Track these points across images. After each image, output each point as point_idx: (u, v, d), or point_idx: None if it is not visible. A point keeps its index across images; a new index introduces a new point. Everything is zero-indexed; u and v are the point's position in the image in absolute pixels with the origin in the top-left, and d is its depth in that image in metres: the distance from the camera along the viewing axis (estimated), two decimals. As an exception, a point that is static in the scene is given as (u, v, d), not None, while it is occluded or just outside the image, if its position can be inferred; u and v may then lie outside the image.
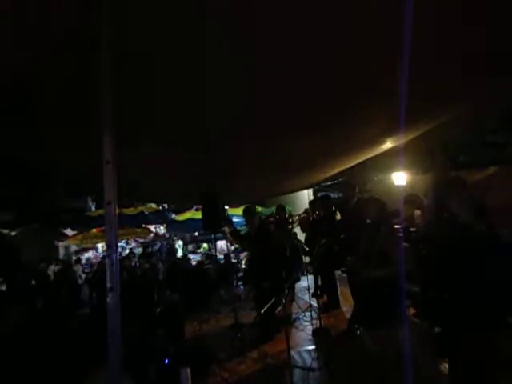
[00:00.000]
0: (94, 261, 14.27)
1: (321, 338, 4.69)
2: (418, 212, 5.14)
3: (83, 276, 11.39)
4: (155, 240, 16.23)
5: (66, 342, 3.95)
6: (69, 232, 12.95)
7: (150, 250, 14.36)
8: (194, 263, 10.78)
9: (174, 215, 14.07)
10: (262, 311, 5.14)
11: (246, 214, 5.39)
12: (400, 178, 6.29)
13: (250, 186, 5.71)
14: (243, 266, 10.32)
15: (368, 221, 4.07)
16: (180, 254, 15.35)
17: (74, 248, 14.59)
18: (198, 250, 15.80)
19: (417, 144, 4.53)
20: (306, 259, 7.13)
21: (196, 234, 15.92)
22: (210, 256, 11.92)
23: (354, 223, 4.83)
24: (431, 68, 2.36)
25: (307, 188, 9.20)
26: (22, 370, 3.20)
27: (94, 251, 15.08)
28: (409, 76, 2.14)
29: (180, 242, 16.79)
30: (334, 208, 5.80)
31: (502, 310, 1.67)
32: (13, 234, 10.76)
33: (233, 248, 11.35)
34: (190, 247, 16.73)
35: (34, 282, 7.86)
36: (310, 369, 3.88)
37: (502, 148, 5.49)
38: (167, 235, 16.52)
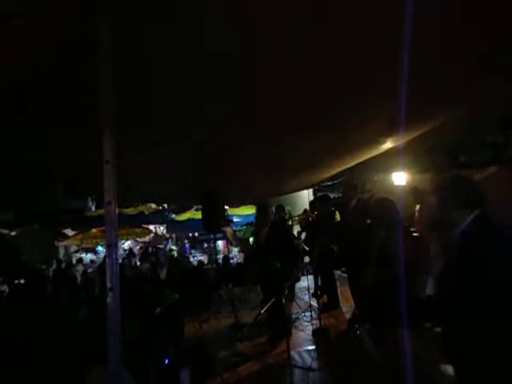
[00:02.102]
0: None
1: (321, 338, 4.69)
2: (417, 207, 5.12)
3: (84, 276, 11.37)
4: (157, 240, 16.21)
5: (66, 341, 3.95)
6: (69, 232, 12.95)
7: (150, 249, 14.36)
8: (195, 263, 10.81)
9: (173, 215, 14.08)
10: (262, 311, 5.13)
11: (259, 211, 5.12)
12: (400, 178, 6.28)
13: (250, 185, 5.71)
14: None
15: (368, 221, 4.06)
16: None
17: (74, 248, 14.59)
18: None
19: (417, 144, 4.53)
20: (306, 259, 7.13)
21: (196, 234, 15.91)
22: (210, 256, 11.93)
23: (354, 223, 4.83)
24: (431, 68, 2.36)
25: (307, 188, 9.19)
26: (22, 370, 3.20)
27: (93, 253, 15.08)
28: (409, 76, 2.14)
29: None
30: (333, 208, 5.79)
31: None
32: (13, 234, 10.75)
33: (233, 248, 11.35)
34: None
35: (33, 282, 7.85)
36: (310, 369, 3.88)
37: (501, 148, 5.49)
38: (167, 235, 16.51)
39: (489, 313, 1.57)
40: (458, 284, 1.66)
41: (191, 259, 12.85)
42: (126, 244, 15.12)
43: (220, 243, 12.66)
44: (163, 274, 9.81)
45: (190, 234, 15.61)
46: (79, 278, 10.62)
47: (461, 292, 1.65)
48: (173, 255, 13.36)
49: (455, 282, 1.69)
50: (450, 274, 1.76)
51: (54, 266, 10.86)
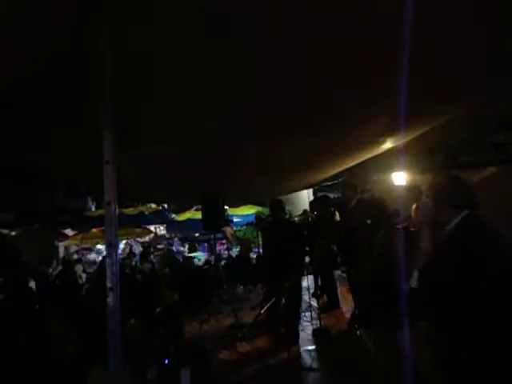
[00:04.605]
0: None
1: (321, 338, 4.69)
2: (413, 206, 5.12)
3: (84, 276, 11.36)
4: (157, 240, 16.14)
5: (66, 342, 3.94)
6: (69, 232, 12.94)
7: (151, 249, 14.32)
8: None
9: (174, 215, 14.06)
10: (262, 311, 5.12)
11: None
12: (400, 178, 6.28)
13: (250, 186, 5.71)
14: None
15: (368, 221, 4.08)
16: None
17: (74, 248, 14.57)
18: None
19: (417, 144, 4.52)
20: (306, 259, 7.12)
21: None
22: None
23: (354, 224, 4.83)
24: (431, 68, 2.36)
25: (307, 188, 9.20)
26: (21, 371, 3.19)
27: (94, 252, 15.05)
28: (409, 75, 2.14)
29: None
30: (332, 208, 5.79)
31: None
32: (13, 233, 10.74)
33: (233, 248, 11.33)
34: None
35: (34, 283, 7.84)
36: (310, 369, 3.88)
37: (502, 148, 5.49)
38: (167, 235, 16.45)
39: (474, 308, 1.60)
40: (445, 279, 1.70)
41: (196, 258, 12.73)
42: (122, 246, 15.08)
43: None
44: (164, 273, 9.78)
45: (197, 234, 15.57)
46: (79, 278, 10.60)
47: (447, 286, 1.69)
48: (174, 255, 13.32)
49: (442, 277, 1.73)
50: (437, 269, 1.81)
51: (59, 266, 10.82)
